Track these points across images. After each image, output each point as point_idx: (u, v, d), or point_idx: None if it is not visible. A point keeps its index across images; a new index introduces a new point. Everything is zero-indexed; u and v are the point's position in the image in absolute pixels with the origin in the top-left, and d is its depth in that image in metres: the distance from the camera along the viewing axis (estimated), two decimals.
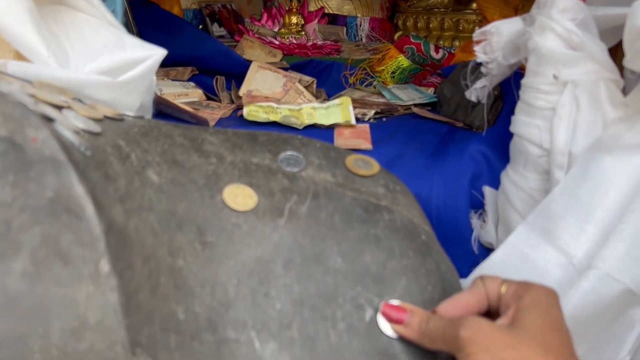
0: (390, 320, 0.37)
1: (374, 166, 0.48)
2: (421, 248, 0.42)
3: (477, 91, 0.71)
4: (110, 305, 0.26)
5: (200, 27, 1.40)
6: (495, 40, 0.62)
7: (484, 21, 1.34)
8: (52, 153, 0.26)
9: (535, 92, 0.56)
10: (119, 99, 0.47)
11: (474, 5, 1.42)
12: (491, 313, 0.37)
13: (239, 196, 0.41)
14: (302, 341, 0.36)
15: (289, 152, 0.47)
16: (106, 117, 0.41)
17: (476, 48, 0.65)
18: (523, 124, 0.57)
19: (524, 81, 0.58)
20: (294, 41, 1.35)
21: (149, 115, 0.57)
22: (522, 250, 0.47)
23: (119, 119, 0.43)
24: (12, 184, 0.26)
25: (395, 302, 0.38)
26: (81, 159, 0.29)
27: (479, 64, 0.68)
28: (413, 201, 0.47)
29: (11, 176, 0.26)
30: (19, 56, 0.51)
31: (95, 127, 0.37)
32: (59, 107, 0.36)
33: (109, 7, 0.54)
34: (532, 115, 0.56)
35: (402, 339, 0.37)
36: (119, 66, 0.48)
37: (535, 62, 0.56)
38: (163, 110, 0.77)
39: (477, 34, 0.65)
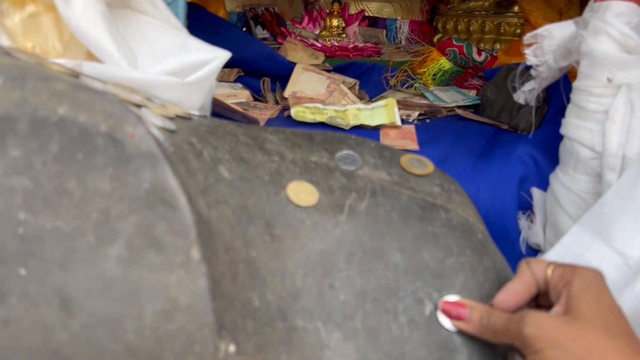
0: (450, 316, 0.38)
1: (428, 166, 0.49)
2: (478, 246, 0.42)
3: (526, 94, 0.71)
4: (200, 290, 0.27)
5: (244, 29, 1.42)
6: (546, 44, 0.62)
7: (526, 24, 1.34)
8: (149, 148, 0.27)
9: (588, 95, 0.56)
10: (184, 98, 0.49)
11: (516, 8, 1.41)
12: (540, 295, 0.37)
13: (302, 192, 0.43)
14: (365, 332, 0.37)
15: (345, 151, 0.49)
16: (177, 116, 0.43)
17: (526, 51, 0.65)
18: (574, 126, 0.58)
19: (575, 84, 0.58)
20: (336, 43, 1.36)
21: (208, 114, 0.59)
22: (576, 251, 0.47)
23: (187, 118, 0.45)
24: (112, 177, 0.28)
25: (453, 297, 0.39)
26: (169, 154, 0.30)
27: (529, 67, 0.68)
28: (468, 201, 0.48)
29: (110, 169, 0.28)
30: (90, 57, 0.54)
31: (171, 125, 0.39)
32: (138, 106, 0.39)
33: (172, 10, 0.57)
34: (584, 118, 0.56)
35: (461, 332, 0.37)
36: (185, 67, 0.50)
37: (588, 65, 0.56)
38: (216, 111, 0.79)
39: (528, 37, 0.65)
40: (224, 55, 0.50)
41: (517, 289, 0.37)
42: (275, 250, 0.37)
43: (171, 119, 0.41)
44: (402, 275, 0.40)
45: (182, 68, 0.49)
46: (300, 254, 0.38)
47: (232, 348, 0.29)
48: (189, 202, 0.28)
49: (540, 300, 0.38)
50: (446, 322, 0.38)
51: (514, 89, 0.73)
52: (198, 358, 0.27)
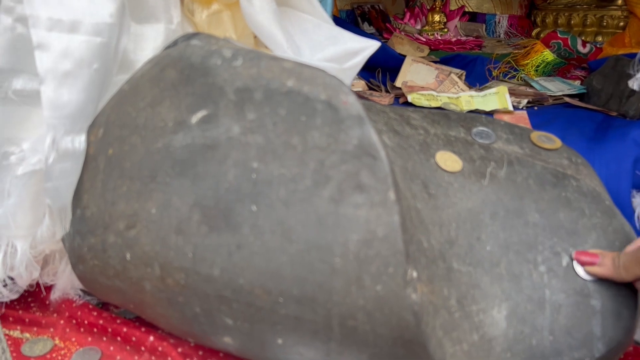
0: (584, 263, 0.41)
1: (556, 141, 0.53)
2: (607, 210, 0.46)
3: None
4: (394, 224, 0.33)
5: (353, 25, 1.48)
6: None
7: (630, 17, 1.30)
8: (358, 112, 0.34)
9: None
10: None
11: (619, 1, 1.38)
12: None
13: (448, 160, 0.48)
14: (509, 277, 0.42)
15: (480, 127, 0.53)
16: None
17: None
18: None
19: None
20: (439, 37, 1.39)
21: None
22: None
23: None
24: (327, 134, 0.34)
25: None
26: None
27: None
28: (594, 173, 0.51)
29: (327, 128, 0.34)
30: (256, 46, 0.62)
31: None
32: None
33: (322, 7, 0.63)
34: None
35: (594, 281, 0.41)
36: (341, 55, 0.56)
37: None
38: None
39: None
40: (374, 44, 0.56)
41: None
42: (433, 205, 0.43)
43: None
44: (541, 231, 0.44)
45: (339, 56, 0.56)
46: (452, 210, 0.44)
47: (414, 274, 0.35)
48: (387, 154, 0.34)
49: None
50: (582, 272, 0.42)
51: (629, 76, 0.74)
52: (390, 278, 0.33)
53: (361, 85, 1.05)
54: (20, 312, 0.56)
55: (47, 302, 0.56)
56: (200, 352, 0.49)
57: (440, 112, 0.55)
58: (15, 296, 0.51)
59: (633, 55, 0.79)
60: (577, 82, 1.08)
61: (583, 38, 1.40)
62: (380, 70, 1.14)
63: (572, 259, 0.42)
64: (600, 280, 0.41)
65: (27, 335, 0.54)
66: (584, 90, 0.98)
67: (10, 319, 0.55)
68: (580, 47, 1.15)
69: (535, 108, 0.92)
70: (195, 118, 0.38)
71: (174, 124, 0.38)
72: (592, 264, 0.41)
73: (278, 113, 0.35)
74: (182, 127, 0.38)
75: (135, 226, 0.39)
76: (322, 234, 0.34)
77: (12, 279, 0.50)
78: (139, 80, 0.41)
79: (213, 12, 0.58)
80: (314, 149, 0.34)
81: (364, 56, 0.55)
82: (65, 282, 0.53)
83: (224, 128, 0.37)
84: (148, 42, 0.50)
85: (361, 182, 0.34)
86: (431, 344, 0.35)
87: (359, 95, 0.85)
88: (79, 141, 0.41)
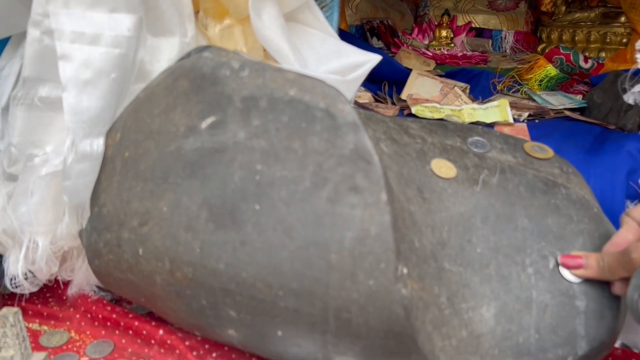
0: (569, 266, 0.43)
1: (549, 152, 0.55)
2: (594, 217, 0.48)
3: (635, 95, 0.74)
4: (385, 223, 0.35)
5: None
6: None
7: (633, 33, 1.32)
8: (354, 119, 0.36)
9: None
10: (343, 93, 0.58)
11: (623, 19, 1.39)
12: None
13: (443, 167, 0.50)
14: (498, 278, 0.44)
15: (475, 137, 0.55)
16: None
17: (638, 55, 0.68)
18: None
19: None
20: (446, 52, 1.42)
21: None
22: None
23: None
24: (326, 139, 0.37)
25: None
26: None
27: (639, 71, 0.71)
28: (584, 182, 0.53)
29: (325, 134, 0.37)
30: (266, 57, 0.64)
31: None
32: None
33: (328, 22, 0.66)
34: None
35: (579, 283, 0.43)
36: (344, 68, 0.59)
37: None
38: None
39: (639, 43, 0.68)
40: (375, 58, 0.58)
41: (622, 238, 0.42)
42: (427, 209, 0.45)
43: None
44: (529, 236, 0.46)
45: (342, 69, 0.58)
46: (445, 213, 0.46)
47: (405, 270, 0.37)
48: (380, 159, 0.36)
49: None
50: (569, 275, 0.43)
51: (624, 91, 0.76)
52: (382, 274, 0.35)
53: (368, 97, 1.07)
54: (39, 306, 0.59)
55: (64, 297, 0.59)
56: (207, 346, 0.51)
57: (438, 122, 0.57)
58: (35, 289, 0.53)
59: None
60: (579, 97, 1.10)
61: (587, 54, 1.41)
62: (387, 83, 1.16)
63: (558, 263, 0.44)
64: (586, 281, 0.43)
65: (45, 327, 0.57)
66: (585, 104, 1.00)
67: (30, 312, 0.58)
68: (582, 63, 1.17)
69: (536, 121, 0.94)
70: (204, 124, 0.40)
71: (185, 129, 0.41)
72: (578, 267, 0.43)
73: (281, 120, 0.38)
74: (193, 132, 0.41)
75: (148, 223, 0.42)
76: (320, 231, 0.37)
77: (32, 273, 0.52)
78: (154, 88, 0.44)
79: (225, 27, 0.61)
80: (313, 153, 0.37)
81: (366, 69, 0.58)
82: (81, 279, 0.56)
83: (231, 133, 0.39)
84: (163, 54, 0.53)
85: (356, 184, 0.36)
86: (420, 337, 0.37)
87: (364, 106, 0.88)
88: (97, 144, 0.44)
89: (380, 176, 0.36)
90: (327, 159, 0.37)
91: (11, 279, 0.50)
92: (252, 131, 0.38)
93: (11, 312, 0.44)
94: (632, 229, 0.42)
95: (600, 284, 0.43)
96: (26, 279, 0.50)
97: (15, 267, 0.49)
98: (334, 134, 0.36)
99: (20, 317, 0.45)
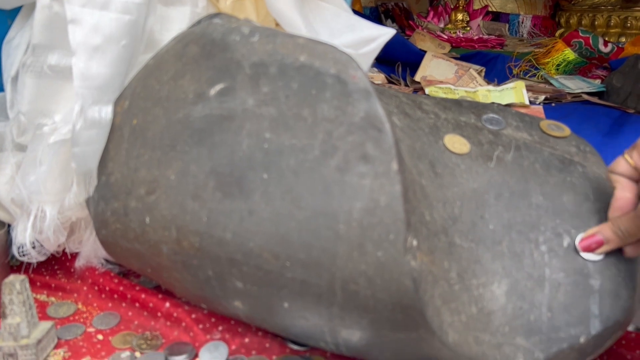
0: (592, 249, 0.42)
1: (565, 130, 0.53)
2: (611, 196, 0.46)
3: None
4: (396, 193, 0.34)
5: None
6: None
7: None
8: (366, 86, 0.35)
9: None
10: None
11: None
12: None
13: (456, 143, 0.49)
14: (510, 255, 0.43)
15: (490, 114, 0.54)
16: None
17: None
18: None
19: None
20: (461, 35, 1.39)
21: None
22: None
23: None
24: (336, 107, 0.36)
25: (580, 235, 0.43)
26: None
27: None
28: (601, 161, 0.51)
29: (336, 101, 0.36)
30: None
31: None
32: None
33: None
34: None
35: (594, 262, 0.42)
36: (358, 42, 0.57)
37: None
38: None
39: None
40: (389, 32, 0.57)
41: (621, 196, 0.41)
42: (439, 184, 0.44)
43: None
44: (544, 213, 0.45)
45: (356, 42, 0.57)
46: (457, 189, 0.45)
47: (414, 242, 0.36)
48: (392, 127, 0.35)
49: None
50: (591, 256, 0.42)
51: None
52: (391, 245, 0.35)
53: (381, 78, 1.06)
54: (47, 277, 0.59)
55: (72, 270, 0.59)
56: (213, 319, 0.51)
57: (453, 100, 0.56)
58: (42, 258, 0.53)
59: None
60: (598, 81, 1.08)
61: (607, 39, 1.38)
62: (400, 65, 1.15)
63: (573, 241, 0.43)
64: (601, 260, 0.42)
65: (53, 299, 0.57)
66: (603, 89, 0.98)
67: (38, 284, 0.58)
68: (601, 47, 1.14)
69: (553, 104, 0.92)
70: (213, 90, 0.39)
71: (194, 95, 0.40)
72: (599, 245, 0.41)
73: (290, 87, 0.37)
74: (202, 98, 0.40)
75: (155, 192, 0.41)
76: (328, 201, 0.36)
77: (40, 243, 0.52)
78: (164, 55, 0.44)
79: None
80: (323, 120, 0.36)
81: (380, 42, 0.56)
82: (89, 251, 0.56)
83: (240, 100, 0.38)
84: (174, 24, 0.52)
85: (366, 153, 0.35)
86: (429, 311, 0.36)
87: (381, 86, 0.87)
88: (106, 111, 0.44)
89: (392, 145, 0.35)
90: (337, 127, 0.36)
91: (19, 248, 0.50)
92: (261, 98, 0.38)
93: (18, 280, 0.44)
94: (625, 186, 0.42)
95: (615, 263, 0.42)
96: (34, 247, 0.50)
97: (23, 235, 0.49)
98: (345, 101, 0.35)
99: (27, 285, 0.45)
